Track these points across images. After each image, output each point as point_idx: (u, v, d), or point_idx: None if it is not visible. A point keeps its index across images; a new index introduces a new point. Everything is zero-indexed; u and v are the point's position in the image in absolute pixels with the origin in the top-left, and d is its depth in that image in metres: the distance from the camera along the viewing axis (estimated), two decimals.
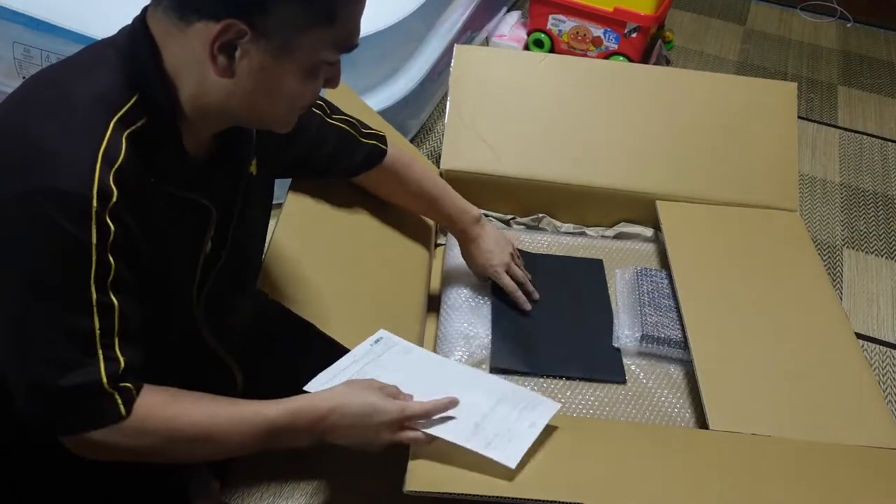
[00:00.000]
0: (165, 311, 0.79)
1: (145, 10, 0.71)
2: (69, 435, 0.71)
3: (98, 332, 0.68)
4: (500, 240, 1.20)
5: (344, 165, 1.09)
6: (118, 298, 0.69)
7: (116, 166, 0.67)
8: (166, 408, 0.74)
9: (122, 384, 0.70)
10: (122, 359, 0.70)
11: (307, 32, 0.69)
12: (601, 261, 1.33)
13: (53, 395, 0.68)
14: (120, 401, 0.70)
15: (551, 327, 1.20)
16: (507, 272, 1.19)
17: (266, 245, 0.99)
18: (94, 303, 0.67)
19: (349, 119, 1.08)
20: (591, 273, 1.33)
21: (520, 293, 1.19)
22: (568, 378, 1.14)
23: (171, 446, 0.75)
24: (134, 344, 0.72)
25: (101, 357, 0.68)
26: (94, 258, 0.66)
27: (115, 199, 0.66)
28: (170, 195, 0.74)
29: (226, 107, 0.72)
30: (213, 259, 0.85)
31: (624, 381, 1.15)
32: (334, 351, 0.92)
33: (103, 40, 0.73)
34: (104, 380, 0.68)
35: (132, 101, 0.69)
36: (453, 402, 0.87)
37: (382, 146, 1.11)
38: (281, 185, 1.54)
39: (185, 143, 0.75)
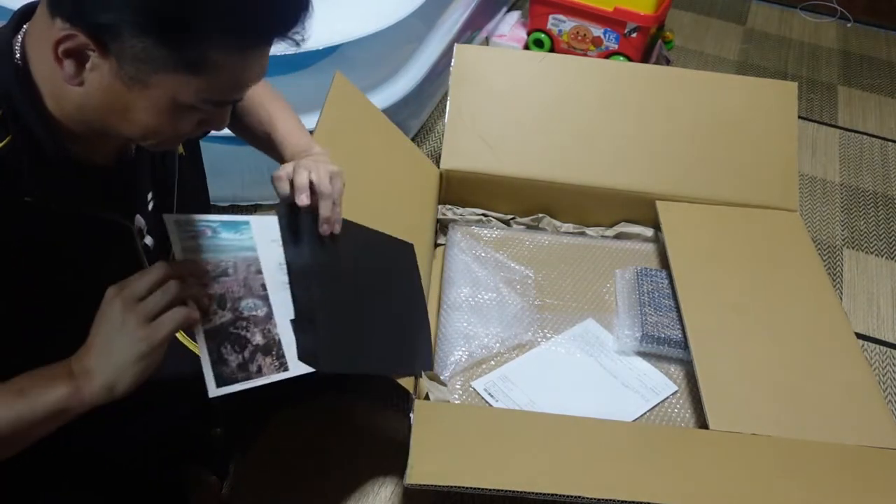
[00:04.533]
0: None
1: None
2: None
3: None
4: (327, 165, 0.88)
5: None
6: None
7: None
8: None
9: None
10: None
11: (166, 74, 0.62)
12: (412, 245, 1.12)
13: None
14: None
15: (363, 312, 0.97)
16: (299, 171, 0.85)
17: None
18: None
19: None
20: (401, 255, 1.12)
21: (311, 198, 0.84)
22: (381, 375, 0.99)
23: None
24: None
25: None
26: None
27: None
28: (70, 216, 0.69)
29: (86, 118, 0.66)
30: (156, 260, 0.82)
31: (431, 368, 1.06)
32: None
33: None
34: None
35: None
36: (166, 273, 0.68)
37: None
38: None
39: (89, 151, 0.70)
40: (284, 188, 0.85)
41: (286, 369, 0.80)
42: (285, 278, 0.84)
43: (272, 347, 0.80)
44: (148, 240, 0.80)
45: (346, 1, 1.54)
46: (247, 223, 0.83)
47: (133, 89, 0.62)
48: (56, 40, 0.60)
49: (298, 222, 0.87)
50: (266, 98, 0.98)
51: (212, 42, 0.60)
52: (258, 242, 0.83)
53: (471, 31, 1.99)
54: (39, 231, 0.68)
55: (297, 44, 0.65)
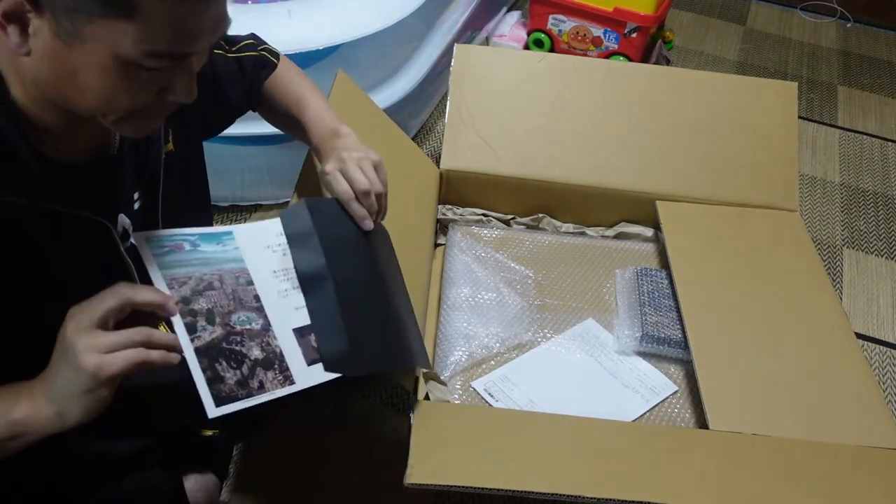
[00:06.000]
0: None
1: None
2: None
3: None
4: (360, 146, 0.90)
5: (241, 90, 0.95)
6: None
7: None
8: None
9: None
10: None
11: (100, 22, 0.57)
12: (387, 231, 1.00)
13: None
14: None
15: (370, 308, 0.89)
16: (353, 168, 0.85)
17: None
18: None
19: (250, 41, 0.95)
20: (384, 242, 1.00)
21: (357, 205, 0.85)
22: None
23: None
24: None
25: None
26: None
27: None
28: (45, 215, 0.65)
29: (45, 94, 0.63)
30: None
31: (430, 368, 1.00)
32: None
33: None
34: None
35: None
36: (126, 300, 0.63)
37: (273, 58, 0.97)
38: (285, 185, 1.53)
39: (62, 147, 0.67)
40: (342, 185, 0.85)
41: (292, 383, 0.75)
42: (282, 286, 0.79)
43: (273, 361, 0.74)
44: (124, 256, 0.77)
45: (347, 1, 1.54)
46: (229, 233, 0.77)
47: (73, 47, 0.58)
48: None
49: (322, 222, 0.82)
50: (294, 78, 0.97)
51: None
52: (245, 252, 0.77)
53: (471, 31, 1.99)
54: (12, 232, 0.65)
55: None
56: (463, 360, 1.16)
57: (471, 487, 0.85)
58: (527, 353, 1.20)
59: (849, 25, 2.55)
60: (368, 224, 0.86)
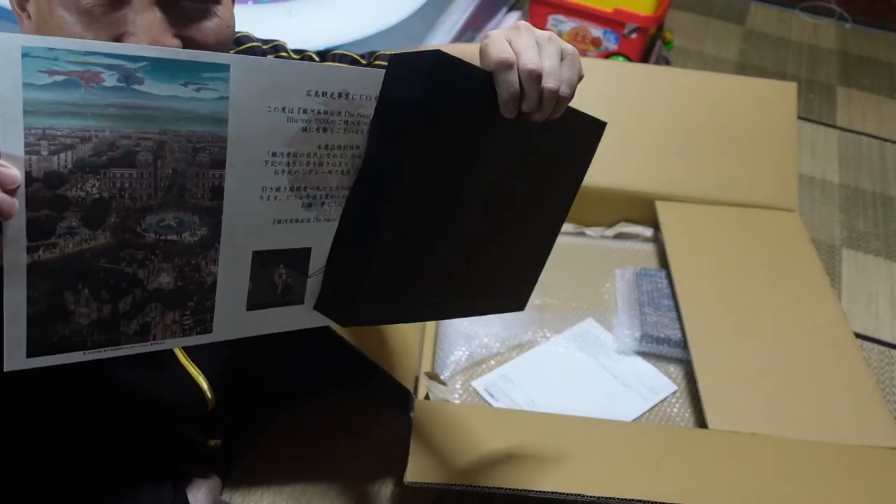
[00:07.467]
0: None
1: None
2: None
3: None
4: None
5: None
6: None
7: None
8: None
9: None
10: None
11: None
12: (604, 124, 0.86)
13: None
14: None
15: (458, 234, 0.65)
16: (526, 37, 0.61)
17: None
18: None
19: (349, 55, 0.87)
20: (575, 140, 0.80)
21: (511, 75, 0.58)
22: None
23: None
24: None
25: None
26: None
27: None
28: None
29: None
30: None
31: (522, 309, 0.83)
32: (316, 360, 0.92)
33: None
34: None
35: None
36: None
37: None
38: None
39: None
40: (501, 46, 0.58)
41: (205, 331, 0.50)
42: (275, 181, 0.50)
43: (189, 296, 0.48)
44: None
45: (347, 2, 1.54)
46: (222, 68, 0.45)
47: (41, 9, 0.57)
48: None
49: (446, 93, 0.54)
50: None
51: None
52: (237, 107, 0.47)
53: (471, 31, 1.99)
54: None
55: None
56: (463, 359, 1.16)
57: (471, 487, 0.85)
58: (527, 353, 1.20)
59: (848, 26, 2.55)
60: (510, 110, 0.59)
